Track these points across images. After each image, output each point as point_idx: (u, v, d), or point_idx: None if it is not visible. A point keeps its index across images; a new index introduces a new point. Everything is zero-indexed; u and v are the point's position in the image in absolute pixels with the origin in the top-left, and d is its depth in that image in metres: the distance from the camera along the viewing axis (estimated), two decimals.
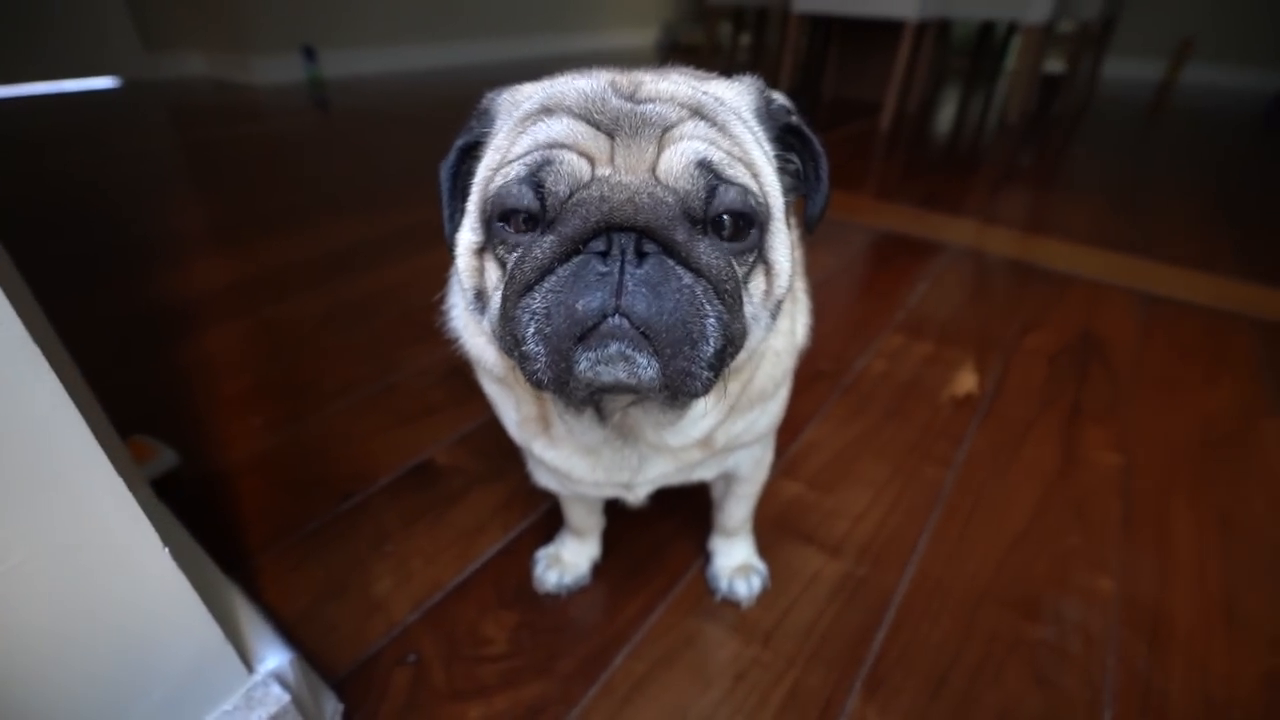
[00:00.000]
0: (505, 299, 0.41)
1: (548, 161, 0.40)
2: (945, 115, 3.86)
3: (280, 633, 0.71)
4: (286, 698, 0.55)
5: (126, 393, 1.19)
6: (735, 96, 0.48)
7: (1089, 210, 2.30)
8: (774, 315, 0.48)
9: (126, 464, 0.70)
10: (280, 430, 1.11)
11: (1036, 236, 2.06)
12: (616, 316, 0.38)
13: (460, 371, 1.27)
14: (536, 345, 0.39)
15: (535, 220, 0.42)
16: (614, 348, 0.38)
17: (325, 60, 3.98)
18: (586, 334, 0.38)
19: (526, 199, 0.41)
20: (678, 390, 0.40)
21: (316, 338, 1.39)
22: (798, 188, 0.51)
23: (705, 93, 0.45)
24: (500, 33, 4.96)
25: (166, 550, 0.46)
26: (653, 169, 0.40)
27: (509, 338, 0.41)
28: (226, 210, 2.12)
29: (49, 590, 0.41)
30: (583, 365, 0.39)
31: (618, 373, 0.39)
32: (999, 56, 5.50)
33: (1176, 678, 0.77)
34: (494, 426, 1.13)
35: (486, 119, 0.48)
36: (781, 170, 0.49)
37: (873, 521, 0.96)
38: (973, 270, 1.81)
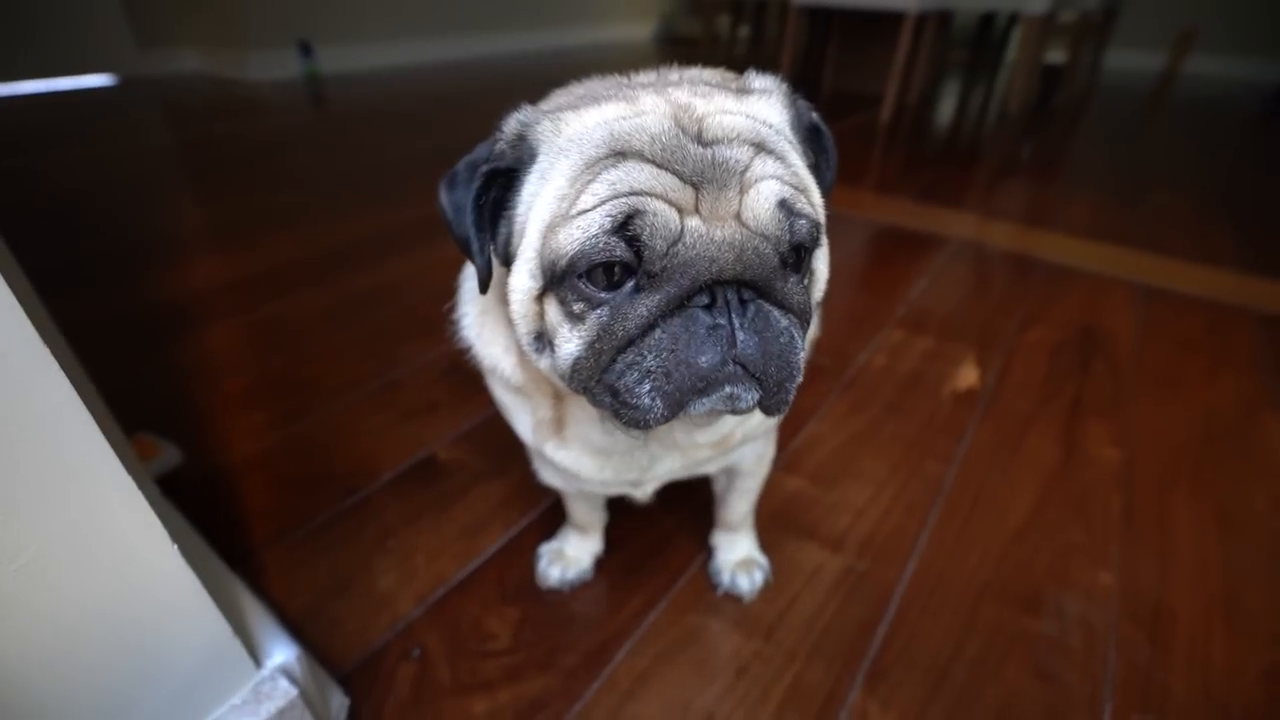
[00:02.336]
0: (599, 352, 0.42)
1: (639, 211, 0.39)
2: (946, 107, 3.85)
3: (286, 628, 0.72)
4: (294, 692, 0.56)
5: (128, 391, 1.20)
6: (777, 116, 0.48)
7: (1090, 203, 2.30)
8: (814, 314, 0.51)
9: (133, 462, 0.71)
10: (283, 427, 1.12)
11: (1037, 230, 2.06)
12: (732, 364, 0.40)
13: (461, 368, 1.27)
14: (654, 400, 0.41)
15: (621, 274, 0.41)
16: (727, 390, 0.41)
17: (322, 56, 3.96)
18: (708, 385, 0.41)
19: (619, 252, 0.40)
20: (769, 412, 0.44)
21: (318, 334, 1.39)
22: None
23: (758, 120, 0.45)
24: (498, 27, 4.94)
25: (175, 546, 0.46)
26: (738, 214, 0.41)
27: (599, 386, 0.43)
28: (224, 208, 2.12)
29: (61, 586, 0.41)
30: (694, 409, 0.42)
31: (720, 406, 0.42)
32: (1000, 48, 5.48)
33: (1178, 671, 0.77)
34: (495, 423, 1.13)
35: (524, 148, 0.45)
36: None
37: (874, 516, 0.97)
38: (973, 264, 1.81)
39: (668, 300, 0.40)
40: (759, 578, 0.84)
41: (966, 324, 1.49)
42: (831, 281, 1.77)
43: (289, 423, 1.13)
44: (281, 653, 0.58)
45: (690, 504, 0.96)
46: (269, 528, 0.93)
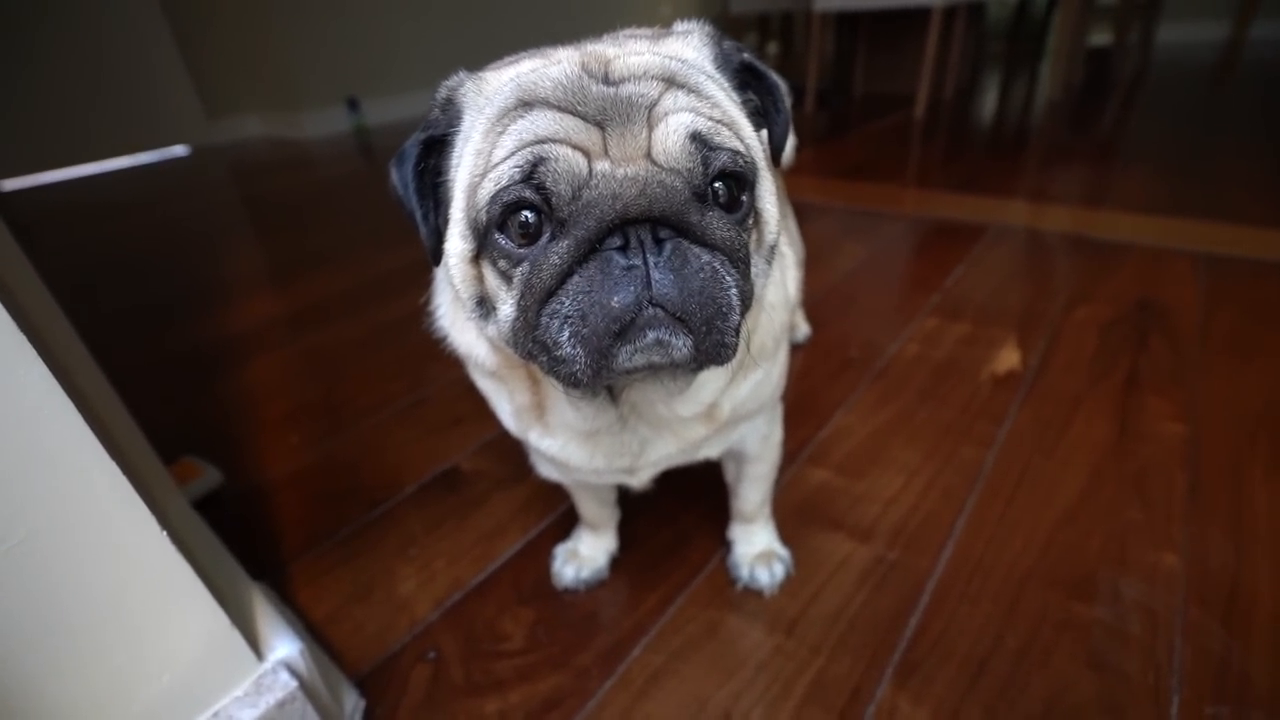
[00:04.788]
0: (525, 309, 0.41)
1: (542, 159, 0.39)
2: (987, 99, 3.72)
3: (302, 629, 0.73)
4: (294, 684, 0.56)
5: (183, 419, 1.28)
6: (695, 53, 0.47)
7: (1144, 177, 2.16)
8: (769, 260, 0.49)
9: (153, 470, 0.75)
10: (317, 446, 1.16)
11: (1084, 209, 1.95)
12: (650, 307, 0.38)
13: None
14: (574, 348, 0.39)
15: (536, 226, 0.41)
16: (651, 336, 0.39)
17: (368, 109, 4.21)
18: (625, 329, 0.39)
19: (528, 202, 0.40)
20: (710, 360, 0.41)
21: (352, 360, 1.45)
22: (759, 123, 0.49)
23: (670, 57, 0.44)
24: None
25: (165, 534, 0.48)
26: (647, 152, 0.40)
27: (533, 343, 0.42)
28: (278, 252, 2.26)
29: (52, 569, 0.43)
30: (621, 358, 0.40)
31: (653, 357, 0.40)
32: (1041, 35, 5.29)
33: (1260, 658, 0.69)
34: None
35: (453, 110, 0.46)
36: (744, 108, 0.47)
37: (905, 505, 0.92)
38: (1014, 249, 1.72)
39: (577, 244, 0.39)
40: (779, 570, 0.81)
41: (1007, 307, 1.41)
42: (860, 275, 1.71)
43: (322, 443, 1.17)
44: (285, 647, 0.59)
45: (710, 499, 0.93)
46: (300, 540, 0.96)
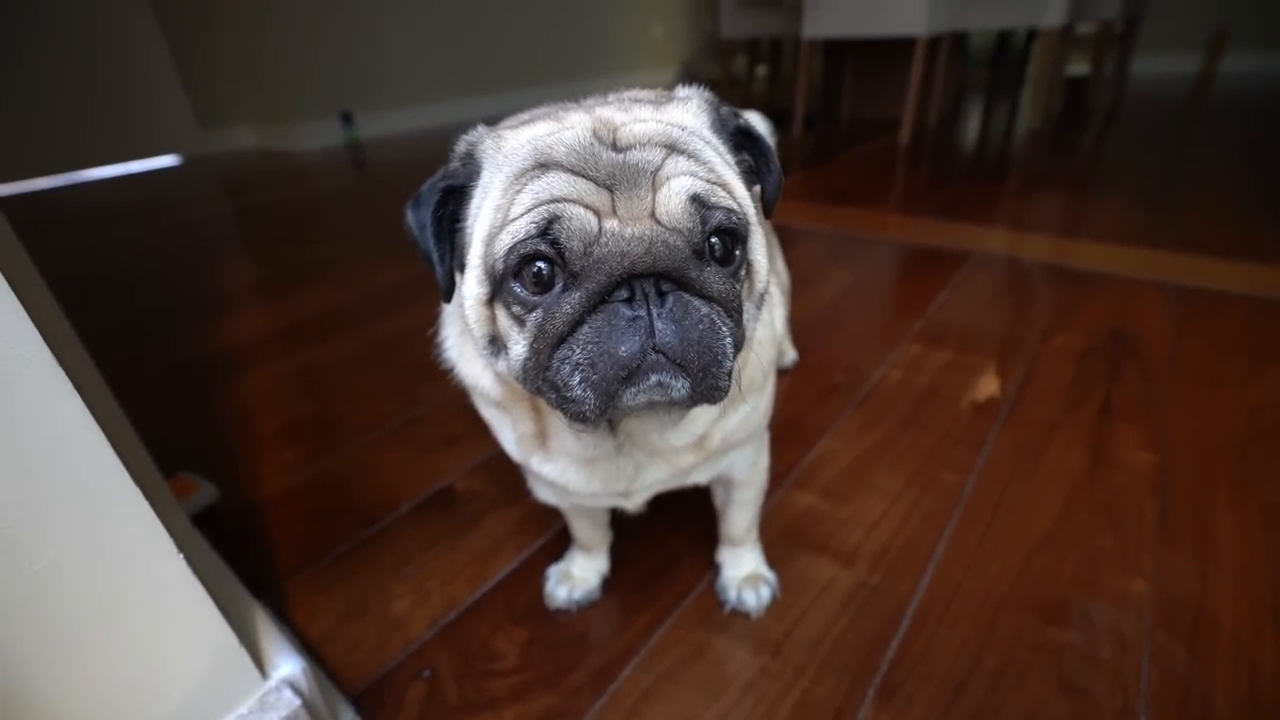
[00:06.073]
0: (538, 351, 0.45)
1: (556, 217, 0.43)
2: (968, 127, 3.83)
3: (300, 647, 0.75)
4: (298, 702, 0.58)
5: (176, 435, 1.28)
6: (694, 119, 0.50)
7: (1119, 208, 2.24)
8: (759, 306, 0.53)
9: (158, 487, 0.76)
10: (311, 464, 1.17)
11: (1061, 238, 2.01)
12: (653, 353, 0.43)
13: None
14: (584, 391, 0.43)
15: (549, 276, 0.44)
16: (654, 379, 0.43)
17: (361, 122, 4.24)
18: (631, 374, 0.43)
19: (543, 255, 0.43)
20: (705, 400, 0.45)
21: (347, 377, 1.46)
22: (752, 181, 0.53)
23: (671, 124, 0.48)
24: (524, 82, 5.20)
25: (181, 556, 0.50)
26: (652, 213, 0.44)
27: (543, 382, 0.46)
28: (271, 265, 2.27)
29: (76, 590, 0.45)
30: (626, 397, 0.44)
31: (654, 396, 0.44)
32: (1021, 64, 5.44)
33: (1221, 681, 0.72)
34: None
35: (472, 165, 0.49)
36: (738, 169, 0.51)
37: (887, 530, 0.95)
38: (994, 277, 1.78)
39: (588, 296, 0.42)
40: (766, 593, 0.83)
41: (987, 335, 1.46)
42: (845, 301, 1.76)
43: (316, 460, 1.18)
44: (288, 665, 0.61)
45: (700, 522, 0.96)
46: (295, 558, 0.97)
